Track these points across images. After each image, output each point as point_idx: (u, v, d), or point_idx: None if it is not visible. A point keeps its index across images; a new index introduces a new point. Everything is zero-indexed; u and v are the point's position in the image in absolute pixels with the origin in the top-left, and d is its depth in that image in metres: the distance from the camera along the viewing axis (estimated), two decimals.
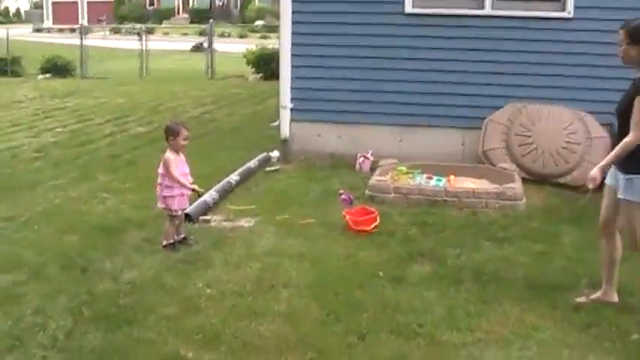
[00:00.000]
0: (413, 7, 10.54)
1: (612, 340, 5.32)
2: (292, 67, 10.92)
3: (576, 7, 10.08)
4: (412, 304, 5.89)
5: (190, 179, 7.27)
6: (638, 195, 5.52)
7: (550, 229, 8.01)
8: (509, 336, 5.37)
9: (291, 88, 10.99)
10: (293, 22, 10.79)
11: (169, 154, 7.08)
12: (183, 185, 7.10)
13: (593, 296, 6.07)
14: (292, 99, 10.99)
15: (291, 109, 11.03)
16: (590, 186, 5.59)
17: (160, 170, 7.13)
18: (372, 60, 10.69)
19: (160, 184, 7.15)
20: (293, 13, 10.76)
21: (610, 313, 5.76)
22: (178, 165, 7.12)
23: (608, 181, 5.88)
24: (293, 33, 10.81)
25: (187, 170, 7.26)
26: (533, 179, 9.72)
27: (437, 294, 6.13)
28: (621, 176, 5.62)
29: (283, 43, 10.97)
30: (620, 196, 5.67)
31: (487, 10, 10.37)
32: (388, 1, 10.61)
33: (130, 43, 32.15)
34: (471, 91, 10.50)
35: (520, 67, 10.32)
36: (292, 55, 10.89)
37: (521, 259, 7.05)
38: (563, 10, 10.17)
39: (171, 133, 7.18)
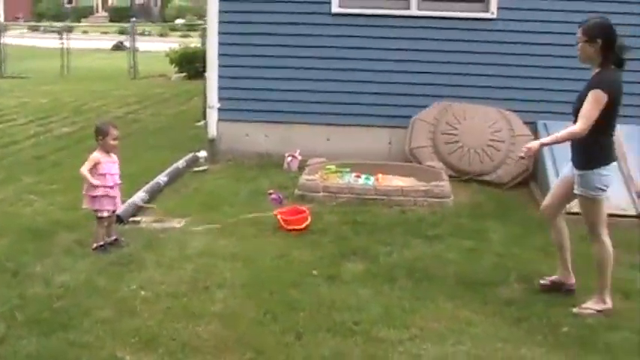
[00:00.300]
0: (339, 6, 10.63)
1: (544, 334, 5.47)
2: (219, 66, 10.90)
3: (500, 8, 10.30)
4: (347, 302, 5.94)
5: (119, 181, 7.22)
6: (591, 189, 5.78)
7: (478, 225, 8.17)
8: (444, 331, 5.47)
9: (219, 87, 10.95)
10: (220, 22, 10.76)
11: (97, 154, 7.03)
12: (89, 184, 7.01)
13: (554, 277, 6.33)
14: (220, 99, 10.96)
15: (219, 109, 10.99)
16: (523, 154, 5.81)
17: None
18: (299, 60, 10.73)
19: (86, 183, 7.07)
20: (220, 12, 10.73)
21: (540, 307, 5.93)
22: (107, 166, 7.05)
23: (565, 171, 6.15)
24: (220, 33, 10.79)
25: (116, 172, 7.19)
26: (460, 177, 9.88)
27: (371, 292, 6.20)
28: (576, 172, 5.88)
29: (210, 42, 10.96)
30: (575, 191, 5.91)
31: (413, 11, 10.51)
32: (315, 1, 10.66)
33: (49, 41, 31.62)
34: (397, 90, 10.62)
35: (446, 66, 10.49)
36: (219, 54, 10.85)
37: (452, 255, 7.18)
38: (487, 10, 10.38)
39: (100, 133, 7.12)
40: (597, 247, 5.94)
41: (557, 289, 6.26)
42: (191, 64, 23.34)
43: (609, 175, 5.79)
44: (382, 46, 10.56)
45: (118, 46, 38.16)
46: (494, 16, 10.35)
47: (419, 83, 10.56)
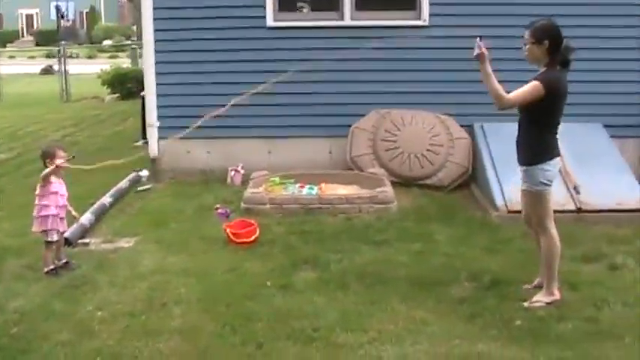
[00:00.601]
0: (274, 20, 10.76)
1: (498, 328, 5.65)
2: (157, 85, 10.90)
3: (431, 15, 10.55)
4: (304, 310, 6.03)
5: (68, 205, 7.24)
6: (536, 184, 6.03)
7: (423, 228, 8.35)
8: (402, 332, 5.60)
9: (158, 106, 10.96)
10: (156, 41, 10.78)
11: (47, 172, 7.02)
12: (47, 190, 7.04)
13: (536, 281, 6.49)
14: (159, 117, 10.96)
15: (159, 127, 10.99)
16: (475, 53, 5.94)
17: (37, 191, 7.05)
18: (236, 74, 10.76)
19: (36, 205, 7.06)
20: (155, 31, 10.75)
21: (492, 303, 6.13)
22: (57, 186, 7.09)
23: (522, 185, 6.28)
24: (156, 51, 10.80)
25: (65, 193, 7.21)
26: (401, 182, 10.04)
27: (326, 299, 6.30)
28: (521, 168, 6.13)
29: (147, 62, 10.95)
30: (521, 187, 6.17)
31: (347, 21, 10.70)
32: (250, 15, 10.75)
33: None
34: (335, 100, 10.77)
35: (381, 74, 10.67)
36: (157, 73, 10.86)
37: (401, 258, 7.33)
38: (419, 18, 10.60)
39: (47, 155, 7.11)
40: (545, 240, 6.16)
41: None
42: (123, 84, 23.29)
43: (552, 170, 6.03)
44: (318, 57, 10.64)
45: (47, 70, 37.74)
46: (427, 23, 10.58)
47: (356, 92, 10.72)
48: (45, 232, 7.08)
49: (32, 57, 50.33)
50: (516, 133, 6.19)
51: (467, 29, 10.27)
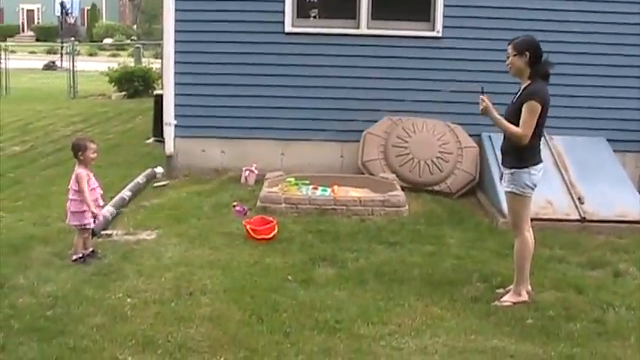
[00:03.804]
0: (292, 26, 11.06)
1: (511, 325, 5.99)
2: (176, 84, 11.17)
3: (445, 27, 10.90)
4: (326, 303, 6.35)
5: (100, 191, 7.55)
6: (521, 186, 6.33)
7: (435, 232, 8.68)
8: (420, 326, 5.93)
9: (175, 105, 11.23)
10: (176, 41, 11.06)
11: (81, 170, 7.28)
12: (88, 206, 7.26)
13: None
14: (176, 116, 11.25)
15: (176, 126, 11.29)
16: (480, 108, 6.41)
17: (74, 186, 7.30)
18: (253, 77, 11.11)
19: (75, 200, 7.31)
20: (176, 32, 11.04)
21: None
22: (90, 180, 7.35)
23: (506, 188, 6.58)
24: (176, 52, 11.07)
25: (97, 184, 7.51)
26: (411, 187, 10.35)
27: (346, 293, 6.63)
28: (506, 171, 6.43)
29: (166, 61, 11.22)
30: (505, 189, 6.48)
31: (363, 30, 11.02)
32: (269, 20, 11.06)
33: None
34: (348, 105, 11.08)
35: (395, 82, 11.00)
36: (175, 72, 11.14)
37: (415, 259, 7.66)
38: (433, 29, 10.95)
39: (79, 148, 7.38)
40: (519, 242, 6.49)
41: None
42: (130, 82, 23.54)
43: (537, 174, 6.36)
44: (334, 64, 11.01)
45: (50, 66, 38.03)
46: (440, 35, 10.93)
47: (369, 99, 11.03)
48: (83, 224, 7.37)
49: (33, 52, 50.46)
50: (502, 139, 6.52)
51: (478, 42, 10.73)
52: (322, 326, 5.88)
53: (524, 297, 6.47)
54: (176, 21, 11.02)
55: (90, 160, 7.38)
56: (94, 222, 7.55)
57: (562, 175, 9.71)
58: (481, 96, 6.38)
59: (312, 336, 5.71)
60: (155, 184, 10.76)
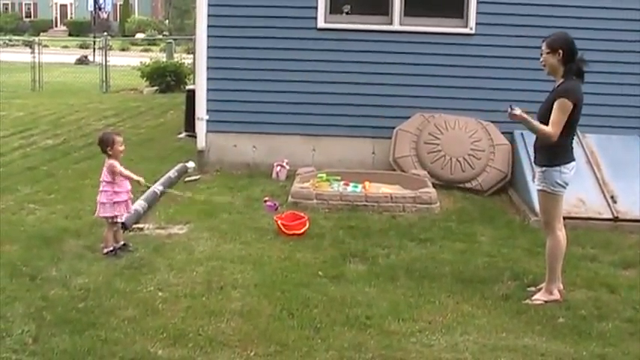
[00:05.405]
0: (325, 22, 11.06)
1: (542, 324, 5.97)
2: (208, 79, 11.21)
3: (478, 24, 10.83)
4: (356, 299, 6.36)
5: (129, 186, 7.61)
6: (552, 184, 6.30)
7: (466, 229, 8.66)
8: (451, 323, 5.92)
9: (207, 100, 11.28)
10: (208, 37, 11.10)
11: (112, 160, 7.36)
12: (129, 178, 7.44)
13: None
14: (208, 111, 11.29)
15: (207, 121, 11.33)
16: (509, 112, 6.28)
17: (106, 178, 7.37)
18: (285, 73, 11.12)
19: (106, 192, 7.38)
20: (208, 27, 11.08)
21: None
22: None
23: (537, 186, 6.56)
24: (209, 47, 11.11)
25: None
26: (442, 184, 10.32)
27: (377, 290, 6.63)
28: (538, 169, 6.40)
29: (199, 56, 11.28)
30: (537, 187, 6.46)
31: (395, 26, 10.99)
32: (301, 16, 11.07)
33: (10, 55, 31.72)
34: (380, 102, 11.04)
35: (427, 79, 10.96)
36: (208, 68, 11.19)
37: (446, 256, 7.65)
38: (466, 26, 10.90)
39: (107, 143, 7.45)
40: (551, 240, 6.46)
41: None
42: (163, 77, 23.63)
43: (569, 173, 6.31)
44: (366, 60, 11.00)
45: (82, 60, 38.24)
46: (473, 32, 10.88)
47: (401, 95, 10.99)
48: (114, 216, 7.44)
49: (65, 47, 50.79)
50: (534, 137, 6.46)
51: (511, 39, 10.66)
52: (353, 322, 5.90)
53: (556, 295, 6.43)
54: (209, 16, 11.05)
55: (119, 153, 7.44)
56: (125, 212, 7.62)
57: (595, 173, 9.63)
58: (510, 111, 6.24)
59: (343, 332, 5.73)
60: (187, 179, 10.79)
